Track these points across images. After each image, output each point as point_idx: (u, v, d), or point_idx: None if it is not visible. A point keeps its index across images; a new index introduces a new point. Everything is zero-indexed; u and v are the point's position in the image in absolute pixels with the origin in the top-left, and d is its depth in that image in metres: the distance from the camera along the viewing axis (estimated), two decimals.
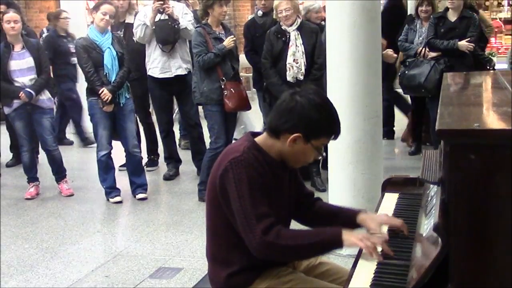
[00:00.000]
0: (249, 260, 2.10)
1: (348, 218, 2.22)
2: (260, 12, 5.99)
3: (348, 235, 2.01)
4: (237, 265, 2.13)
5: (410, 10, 7.32)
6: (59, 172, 5.73)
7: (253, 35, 5.87)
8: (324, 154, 2.19)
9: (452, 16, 5.84)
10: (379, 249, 1.97)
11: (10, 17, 5.31)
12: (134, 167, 5.41)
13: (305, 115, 2.04)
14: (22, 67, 5.37)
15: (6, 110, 5.52)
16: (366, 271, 1.87)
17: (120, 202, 5.31)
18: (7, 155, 6.94)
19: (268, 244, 1.98)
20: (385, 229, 2.14)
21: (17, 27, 5.31)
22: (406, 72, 5.95)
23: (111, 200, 5.33)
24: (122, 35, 5.88)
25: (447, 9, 5.91)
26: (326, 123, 2.07)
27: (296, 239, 2.03)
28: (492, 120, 1.64)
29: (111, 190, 5.35)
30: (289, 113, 2.06)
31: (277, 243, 1.99)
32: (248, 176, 2.02)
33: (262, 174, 2.06)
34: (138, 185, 5.41)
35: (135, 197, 5.38)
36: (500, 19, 13.54)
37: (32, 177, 5.72)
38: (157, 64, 5.73)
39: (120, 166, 5.96)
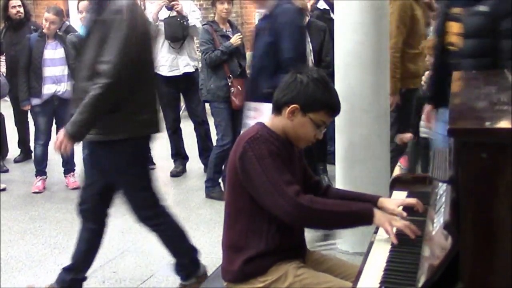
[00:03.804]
0: (266, 245, 2.15)
1: (369, 201, 2.28)
2: None
3: (379, 214, 2.09)
4: (253, 251, 2.16)
5: None
6: (68, 165, 5.79)
7: None
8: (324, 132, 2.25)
9: None
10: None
11: (46, 17, 5.62)
12: None
13: (302, 88, 2.14)
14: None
15: (35, 101, 5.60)
16: (375, 268, 1.88)
17: None
18: (16, 151, 6.97)
19: (302, 207, 2.04)
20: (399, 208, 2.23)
21: (53, 28, 5.57)
22: None
23: None
24: None
25: None
26: (322, 97, 2.15)
27: (329, 206, 2.10)
28: (504, 119, 1.64)
29: None
30: (288, 87, 2.17)
31: (311, 207, 2.05)
32: (268, 150, 2.09)
33: (279, 149, 2.13)
34: None
35: None
36: None
37: (41, 170, 5.78)
38: (165, 62, 5.76)
39: None
